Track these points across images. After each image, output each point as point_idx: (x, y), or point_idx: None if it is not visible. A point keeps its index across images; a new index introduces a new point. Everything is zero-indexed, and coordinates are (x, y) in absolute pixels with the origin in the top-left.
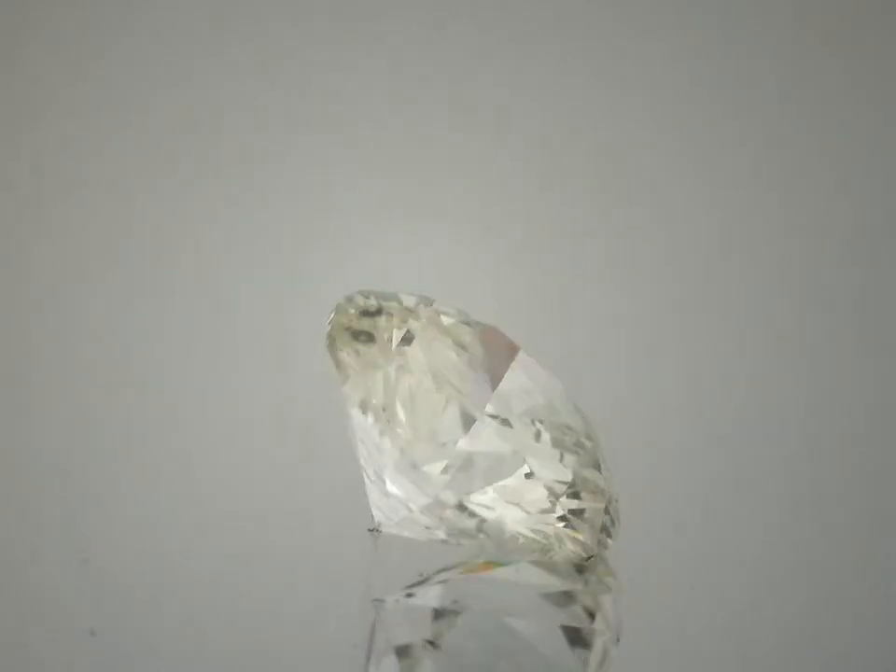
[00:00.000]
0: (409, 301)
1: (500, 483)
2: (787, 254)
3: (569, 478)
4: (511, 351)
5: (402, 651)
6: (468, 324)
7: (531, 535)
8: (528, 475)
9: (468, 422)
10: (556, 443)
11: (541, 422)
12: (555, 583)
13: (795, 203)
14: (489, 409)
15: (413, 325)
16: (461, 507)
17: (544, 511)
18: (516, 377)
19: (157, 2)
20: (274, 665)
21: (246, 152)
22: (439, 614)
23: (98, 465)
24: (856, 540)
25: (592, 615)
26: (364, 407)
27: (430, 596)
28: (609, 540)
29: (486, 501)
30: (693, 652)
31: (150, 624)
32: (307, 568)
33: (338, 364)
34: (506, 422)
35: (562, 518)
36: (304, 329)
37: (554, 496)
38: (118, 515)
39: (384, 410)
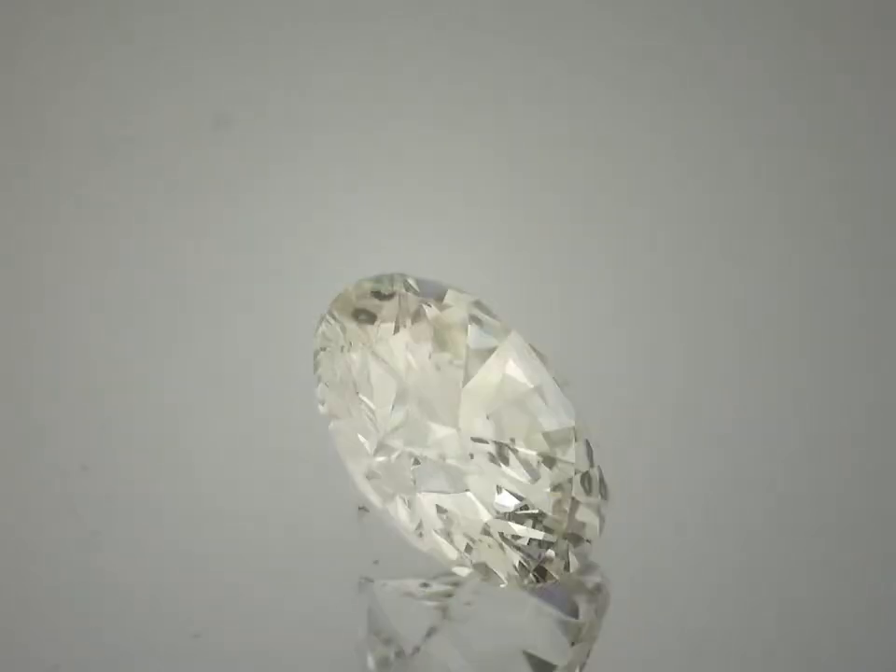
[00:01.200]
0: (459, 300)
1: (442, 497)
2: (787, 254)
3: (543, 509)
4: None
5: (398, 642)
6: (496, 346)
7: (468, 549)
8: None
9: (432, 434)
10: (556, 487)
11: (547, 463)
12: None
13: (795, 202)
14: (482, 433)
15: (426, 329)
16: (384, 511)
17: (484, 532)
18: (534, 405)
19: (157, 2)
20: (274, 665)
21: (245, 152)
22: (446, 612)
23: (98, 465)
24: (856, 540)
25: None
26: (330, 383)
27: (442, 592)
28: (557, 573)
29: (422, 509)
30: (692, 652)
31: (152, 627)
32: (307, 568)
33: (323, 333)
34: (502, 457)
35: (513, 544)
36: (303, 328)
37: (504, 518)
38: (117, 515)
39: (347, 386)
